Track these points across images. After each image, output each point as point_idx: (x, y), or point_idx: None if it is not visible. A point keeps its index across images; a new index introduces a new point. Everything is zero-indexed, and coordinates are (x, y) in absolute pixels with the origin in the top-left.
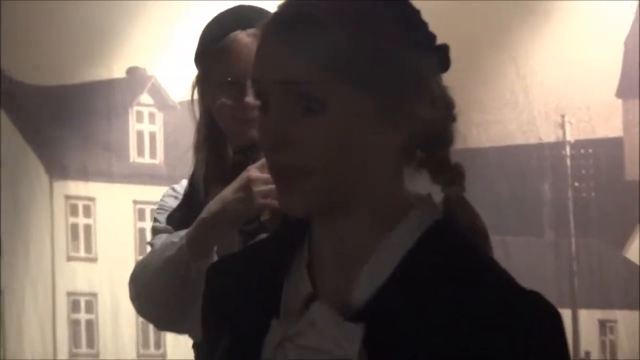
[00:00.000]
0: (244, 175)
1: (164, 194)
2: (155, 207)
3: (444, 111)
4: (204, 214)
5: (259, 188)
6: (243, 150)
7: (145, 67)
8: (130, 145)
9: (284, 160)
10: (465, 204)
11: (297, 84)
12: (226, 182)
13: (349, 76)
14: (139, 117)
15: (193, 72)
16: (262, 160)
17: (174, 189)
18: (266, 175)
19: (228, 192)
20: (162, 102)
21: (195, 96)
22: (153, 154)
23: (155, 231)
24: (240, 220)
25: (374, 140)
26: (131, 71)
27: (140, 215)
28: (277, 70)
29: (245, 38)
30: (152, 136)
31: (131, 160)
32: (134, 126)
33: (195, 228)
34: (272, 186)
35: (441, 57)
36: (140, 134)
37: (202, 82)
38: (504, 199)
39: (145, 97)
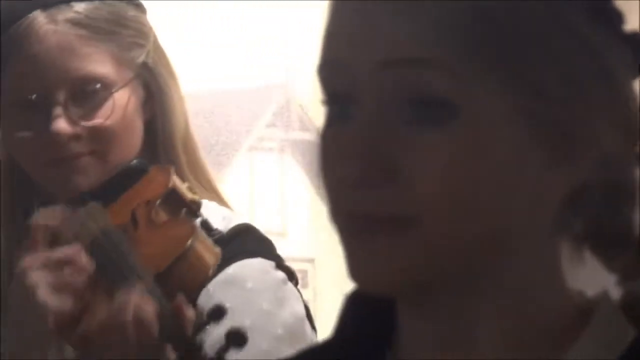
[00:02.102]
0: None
1: None
2: None
3: (633, 140)
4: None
5: (38, 276)
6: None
7: None
8: None
9: (378, 204)
10: None
11: (418, 64)
12: None
13: (499, 64)
14: None
15: None
16: (39, 224)
17: None
18: (48, 254)
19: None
20: None
21: None
22: None
23: None
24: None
25: (527, 178)
26: None
27: None
28: (382, 45)
29: (47, 24)
30: None
31: None
32: None
33: None
34: (67, 272)
35: (636, 51)
36: None
37: None
38: None
39: None
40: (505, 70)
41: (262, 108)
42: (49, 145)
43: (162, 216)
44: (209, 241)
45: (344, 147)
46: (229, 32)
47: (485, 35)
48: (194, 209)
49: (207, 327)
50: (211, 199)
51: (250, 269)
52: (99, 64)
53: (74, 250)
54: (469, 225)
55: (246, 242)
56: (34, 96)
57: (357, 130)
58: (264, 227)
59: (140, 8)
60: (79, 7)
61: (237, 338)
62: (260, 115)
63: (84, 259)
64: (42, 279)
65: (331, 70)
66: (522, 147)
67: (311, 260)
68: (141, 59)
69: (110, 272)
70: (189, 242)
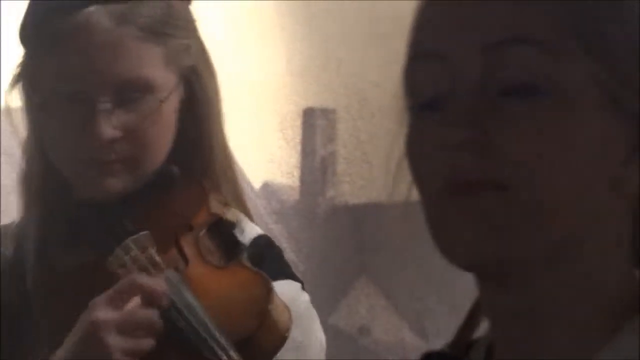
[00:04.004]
0: (87, 317)
1: None
2: None
3: None
4: None
5: (115, 340)
6: (99, 207)
7: None
8: None
9: (477, 169)
10: None
11: (519, 45)
12: (72, 250)
13: (595, 49)
14: None
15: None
16: (117, 288)
17: None
18: (123, 315)
19: (68, 346)
20: None
21: (18, 101)
22: None
23: None
24: None
25: (607, 165)
26: None
27: None
28: (481, 29)
29: (103, 21)
30: None
31: None
32: None
33: None
34: (137, 340)
35: None
36: None
37: (32, 80)
38: None
39: None
40: (600, 56)
41: None
42: (88, 145)
43: (209, 248)
44: (279, 298)
45: (447, 116)
46: None
47: (584, 19)
48: (239, 243)
49: None
50: (238, 210)
51: (288, 298)
52: (151, 67)
53: (153, 315)
54: (554, 196)
55: (274, 260)
56: (78, 92)
57: (460, 101)
58: None
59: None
60: (136, 5)
61: None
62: None
63: (159, 324)
64: (118, 343)
65: (428, 63)
66: (606, 135)
67: None
68: (188, 61)
69: (190, 342)
70: (269, 306)
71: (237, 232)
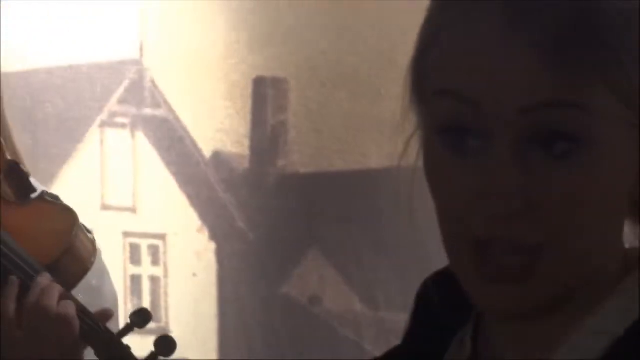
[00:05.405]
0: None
1: None
2: None
3: None
4: None
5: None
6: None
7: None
8: None
9: (514, 233)
10: None
11: (560, 107)
12: None
13: (624, 96)
14: None
15: None
16: None
17: None
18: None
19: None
20: None
21: None
22: None
23: None
24: None
25: (630, 180)
26: None
27: None
28: (525, 89)
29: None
30: None
31: None
32: None
33: None
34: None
35: None
36: None
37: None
38: None
39: None
40: (628, 99)
41: (115, 84)
42: None
43: (9, 193)
44: (84, 227)
45: (489, 182)
46: (81, 7)
47: (617, 74)
48: (31, 185)
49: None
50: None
51: None
52: None
53: None
54: (587, 252)
55: None
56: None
57: (502, 166)
58: (116, 202)
59: None
60: None
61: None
62: (113, 91)
63: None
64: None
65: (459, 103)
66: (632, 172)
67: (162, 237)
68: None
69: (17, 271)
70: (74, 231)
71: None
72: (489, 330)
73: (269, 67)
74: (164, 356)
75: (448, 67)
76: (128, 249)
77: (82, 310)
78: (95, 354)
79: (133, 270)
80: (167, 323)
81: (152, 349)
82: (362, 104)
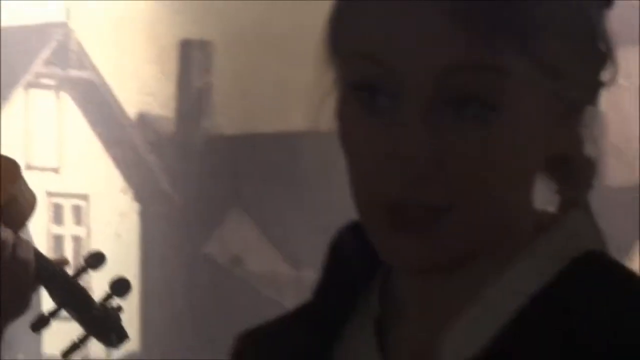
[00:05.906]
0: None
1: None
2: None
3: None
4: None
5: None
6: None
7: None
8: None
9: (425, 197)
10: (594, 222)
11: (475, 69)
12: None
13: (529, 47)
14: None
15: None
16: None
17: None
18: None
19: None
20: None
21: None
22: None
23: None
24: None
25: (540, 143)
26: None
27: None
28: (439, 52)
29: None
30: None
31: None
32: None
33: None
34: None
35: None
36: None
37: None
38: None
39: None
40: (545, 66)
41: (41, 46)
42: None
43: None
44: (26, 184)
45: (397, 144)
46: None
47: (534, 38)
48: None
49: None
50: None
51: None
52: None
53: None
54: (495, 212)
55: None
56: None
57: (410, 129)
58: (40, 162)
59: None
60: None
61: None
62: (38, 52)
63: None
64: None
65: (372, 64)
66: (545, 135)
67: (85, 197)
68: None
69: None
70: (20, 180)
71: None
72: (395, 287)
73: (196, 31)
74: (119, 296)
75: (361, 29)
76: (51, 208)
77: (37, 253)
78: (49, 295)
79: (56, 229)
80: (88, 282)
81: (107, 290)
82: (288, 68)
